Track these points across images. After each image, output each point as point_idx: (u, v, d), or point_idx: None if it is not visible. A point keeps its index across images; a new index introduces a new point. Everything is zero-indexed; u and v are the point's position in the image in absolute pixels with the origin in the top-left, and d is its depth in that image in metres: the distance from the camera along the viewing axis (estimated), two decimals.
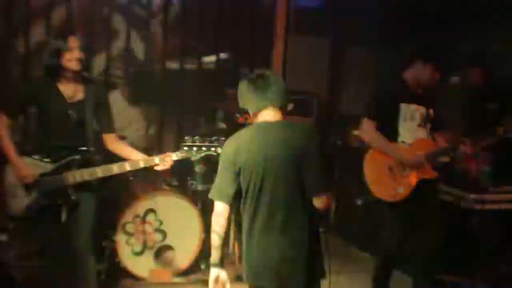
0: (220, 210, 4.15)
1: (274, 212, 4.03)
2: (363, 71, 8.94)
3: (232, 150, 4.13)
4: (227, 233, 4.24)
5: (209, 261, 4.21)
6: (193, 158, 5.30)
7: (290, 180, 4.00)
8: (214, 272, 4.19)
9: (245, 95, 4.21)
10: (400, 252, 5.95)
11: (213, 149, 5.24)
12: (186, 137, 5.28)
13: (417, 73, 5.85)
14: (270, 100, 4.12)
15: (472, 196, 6.42)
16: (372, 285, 6.05)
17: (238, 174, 4.09)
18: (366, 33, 8.81)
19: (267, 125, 4.13)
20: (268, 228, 4.05)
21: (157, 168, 5.28)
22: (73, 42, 5.09)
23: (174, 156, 5.24)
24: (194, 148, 5.22)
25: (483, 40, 7.85)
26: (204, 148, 5.23)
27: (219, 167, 4.19)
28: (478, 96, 7.44)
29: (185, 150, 5.22)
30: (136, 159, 5.29)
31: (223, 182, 4.15)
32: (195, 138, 5.25)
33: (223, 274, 4.20)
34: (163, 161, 5.25)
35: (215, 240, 4.17)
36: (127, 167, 5.21)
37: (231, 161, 4.10)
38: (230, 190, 4.12)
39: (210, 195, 4.22)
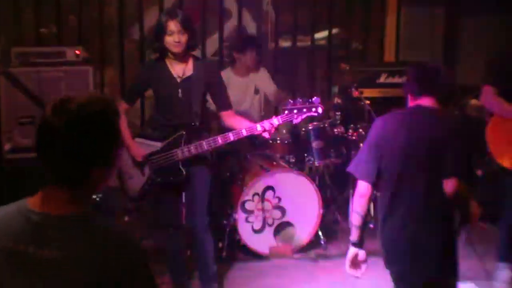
0: (363, 191, 4.13)
1: (414, 198, 3.98)
2: (478, 40, 8.70)
3: (379, 130, 4.13)
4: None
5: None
6: (295, 121, 5.21)
7: (431, 168, 3.94)
8: (352, 250, 4.20)
9: (412, 79, 4.21)
10: None
11: (313, 109, 5.15)
12: (289, 101, 5.24)
13: None
14: (431, 90, 4.09)
15: None
16: (497, 256, 5.92)
17: (381, 155, 4.06)
18: (480, 1, 8.58)
19: (416, 110, 4.11)
20: (410, 217, 4.00)
21: (264, 134, 5.21)
22: (172, 26, 5.13)
23: (276, 121, 5.16)
24: (295, 111, 5.15)
25: None
26: (304, 110, 5.14)
27: (365, 145, 4.20)
28: None
29: (286, 113, 5.17)
30: (239, 128, 5.27)
31: (368, 161, 4.12)
32: (296, 101, 5.20)
33: (361, 254, 4.19)
34: (266, 127, 5.20)
35: (356, 219, 4.17)
36: (231, 137, 5.19)
37: (377, 142, 4.10)
38: (374, 171, 4.08)
39: (352, 170, 4.21)
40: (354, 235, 4.20)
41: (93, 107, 2.27)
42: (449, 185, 3.89)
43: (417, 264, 4.03)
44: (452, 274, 4.08)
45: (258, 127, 5.16)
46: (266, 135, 5.23)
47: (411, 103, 4.20)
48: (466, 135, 4.10)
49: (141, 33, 8.18)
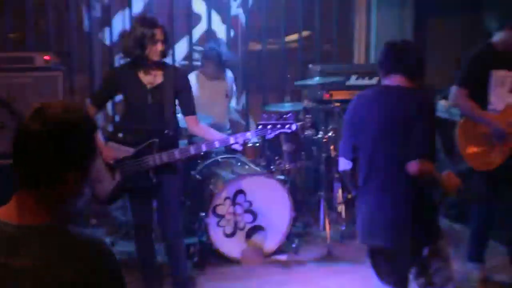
0: (343, 167, 4.32)
1: (386, 172, 4.11)
2: (447, 40, 8.75)
3: (352, 109, 4.30)
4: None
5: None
6: (267, 137, 5.31)
7: (401, 143, 4.04)
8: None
9: (381, 57, 4.29)
10: (494, 221, 5.85)
11: (287, 126, 5.25)
12: (264, 115, 5.30)
13: (506, 37, 5.71)
14: (399, 68, 4.18)
15: None
16: (467, 256, 5.97)
17: (356, 132, 4.22)
18: (449, 0, 8.63)
19: (386, 88, 4.25)
20: (380, 189, 4.13)
21: (234, 147, 5.33)
22: (159, 35, 5.16)
23: (249, 135, 5.31)
24: (269, 126, 5.23)
25: None
26: (278, 126, 5.25)
27: (343, 124, 4.39)
28: None
29: (260, 128, 5.24)
30: (212, 139, 5.34)
31: (345, 139, 4.32)
32: (270, 116, 5.26)
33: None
34: (239, 141, 5.28)
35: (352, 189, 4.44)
36: (203, 147, 5.27)
37: (351, 120, 4.27)
38: (350, 147, 4.25)
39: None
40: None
41: (71, 115, 2.31)
42: (412, 167, 3.98)
43: (389, 236, 4.14)
44: (425, 241, 4.17)
45: (231, 140, 5.25)
46: (237, 147, 5.33)
47: (383, 81, 4.30)
48: (432, 114, 4.18)
49: (110, 38, 8.14)
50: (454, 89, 5.78)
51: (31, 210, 2.29)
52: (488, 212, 5.84)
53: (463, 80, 5.76)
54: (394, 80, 4.19)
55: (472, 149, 5.73)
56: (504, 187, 5.80)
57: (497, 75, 5.70)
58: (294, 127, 5.26)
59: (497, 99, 5.72)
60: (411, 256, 4.20)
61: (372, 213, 4.18)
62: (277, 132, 5.27)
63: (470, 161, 5.74)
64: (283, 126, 5.26)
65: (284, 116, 5.29)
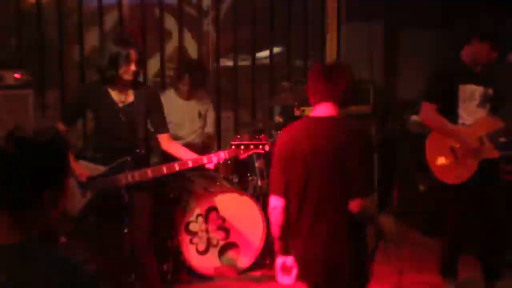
0: (274, 204, 4.15)
1: (319, 209, 4.01)
2: (418, 54, 8.81)
3: (282, 142, 4.15)
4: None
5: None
6: (241, 157, 5.34)
7: (335, 177, 3.96)
8: (280, 260, 4.20)
9: (308, 85, 4.19)
10: (466, 234, 5.89)
11: (260, 147, 5.28)
12: (238, 136, 5.34)
13: (474, 51, 5.76)
14: (327, 94, 4.09)
15: None
16: (440, 270, 6.00)
17: (286, 166, 4.08)
18: (418, 14, 8.70)
19: (317, 119, 4.11)
20: (313, 227, 4.03)
21: (207, 166, 5.35)
22: (134, 55, 5.16)
23: (222, 155, 5.31)
24: (242, 147, 5.25)
25: None
26: (251, 147, 5.27)
27: (273, 159, 4.22)
28: None
29: (233, 148, 5.25)
30: (185, 159, 5.34)
31: (275, 175, 4.15)
32: (244, 136, 5.30)
33: (289, 260, 4.19)
34: (211, 160, 5.30)
35: (275, 231, 4.20)
36: (176, 167, 5.27)
37: (280, 154, 4.12)
38: (281, 183, 4.10)
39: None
40: (277, 245, 4.23)
41: (43, 135, 2.36)
42: (354, 206, 3.93)
43: (321, 275, 4.08)
44: (362, 284, 4.14)
45: (204, 160, 5.29)
46: (210, 166, 5.36)
47: (313, 109, 4.20)
48: (364, 143, 4.07)
49: (81, 54, 8.11)
50: (422, 105, 5.82)
51: (6, 229, 2.31)
52: (459, 226, 5.87)
53: (431, 95, 5.80)
54: (323, 108, 4.11)
55: (440, 162, 5.76)
56: (474, 201, 5.83)
57: (465, 89, 5.75)
58: (267, 147, 5.28)
59: (466, 113, 5.76)
60: None
61: (304, 252, 4.11)
62: (250, 152, 5.30)
63: (438, 174, 5.77)
64: (256, 146, 5.28)
65: (257, 136, 5.31)
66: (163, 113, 5.53)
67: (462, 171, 5.70)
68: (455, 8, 8.07)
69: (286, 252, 4.19)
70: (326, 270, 4.05)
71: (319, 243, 4.03)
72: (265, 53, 8.95)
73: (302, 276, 4.16)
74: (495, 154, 5.75)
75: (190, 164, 5.33)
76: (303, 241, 4.09)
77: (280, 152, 4.13)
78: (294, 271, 4.18)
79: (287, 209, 4.12)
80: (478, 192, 5.74)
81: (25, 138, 2.33)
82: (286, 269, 4.20)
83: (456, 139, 5.71)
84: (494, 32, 5.83)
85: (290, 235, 4.16)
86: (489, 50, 5.71)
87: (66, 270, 2.30)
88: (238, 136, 5.31)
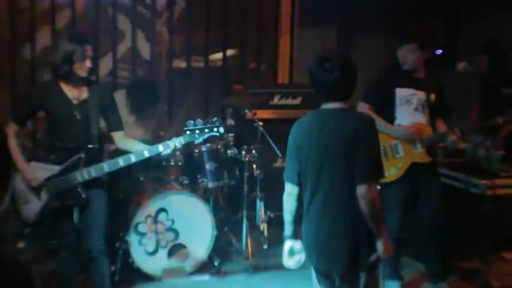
0: (288, 191, 4.33)
1: (328, 198, 4.13)
2: (369, 59, 8.89)
3: (294, 133, 4.29)
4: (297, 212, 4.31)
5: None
6: (196, 141, 5.37)
7: (343, 167, 4.07)
8: (287, 243, 4.36)
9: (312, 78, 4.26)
10: (403, 234, 5.94)
11: (215, 129, 5.30)
12: (188, 122, 5.33)
13: (402, 54, 5.93)
14: (330, 96, 4.19)
15: (483, 182, 6.33)
16: (385, 275, 6.00)
17: (300, 156, 4.21)
18: (371, 21, 8.78)
19: (325, 111, 4.21)
20: (322, 214, 4.16)
21: (164, 154, 5.35)
22: (89, 51, 5.16)
23: (178, 141, 5.29)
24: (197, 131, 5.26)
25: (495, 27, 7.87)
26: (206, 130, 5.29)
27: (287, 150, 4.34)
28: (491, 82, 7.42)
29: (188, 134, 5.26)
30: (141, 149, 5.33)
31: (289, 164, 4.30)
32: (197, 121, 5.29)
33: (296, 244, 4.35)
34: (167, 148, 5.28)
35: (286, 216, 4.36)
36: (133, 158, 5.25)
37: (294, 146, 4.26)
38: (295, 172, 4.25)
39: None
40: (287, 230, 4.37)
41: None
42: (361, 191, 4.01)
43: (329, 261, 4.20)
44: (362, 268, 4.18)
45: (160, 148, 5.25)
46: (168, 151, 5.33)
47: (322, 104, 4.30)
48: (372, 134, 4.17)
49: (33, 52, 8.04)
50: (358, 104, 5.93)
51: None
52: (396, 224, 5.89)
53: (367, 95, 6.00)
54: (332, 103, 4.20)
55: None
56: (403, 202, 5.93)
57: (402, 93, 5.89)
58: (222, 129, 5.32)
59: (403, 116, 5.91)
60: (349, 282, 4.20)
61: (313, 236, 4.21)
62: (205, 136, 5.32)
63: None
64: (211, 129, 5.30)
65: (211, 120, 5.32)
66: (117, 110, 5.52)
67: (390, 170, 5.80)
68: (405, 16, 8.15)
69: (293, 236, 4.36)
70: (333, 257, 4.17)
71: (327, 229, 4.15)
72: (219, 55, 8.96)
73: (309, 259, 4.31)
74: (427, 158, 5.90)
75: (147, 154, 5.30)
76: (311, 227, 4.22)
77: (294, 142, 4.27)
78: (301, 256, 4.34)
79: (300, 196, 4.30)
80: (411, 192, 5.90)
81: None
82: (293, 254, 4.36)
83: (393, 133, 5.89)
84: (418, 34, 5.93)
85: (303, 220, 4.30)
86: (414, 53, 5.82)
87: (12, 272, 2.25)
88: (191, 122, 5.30)
